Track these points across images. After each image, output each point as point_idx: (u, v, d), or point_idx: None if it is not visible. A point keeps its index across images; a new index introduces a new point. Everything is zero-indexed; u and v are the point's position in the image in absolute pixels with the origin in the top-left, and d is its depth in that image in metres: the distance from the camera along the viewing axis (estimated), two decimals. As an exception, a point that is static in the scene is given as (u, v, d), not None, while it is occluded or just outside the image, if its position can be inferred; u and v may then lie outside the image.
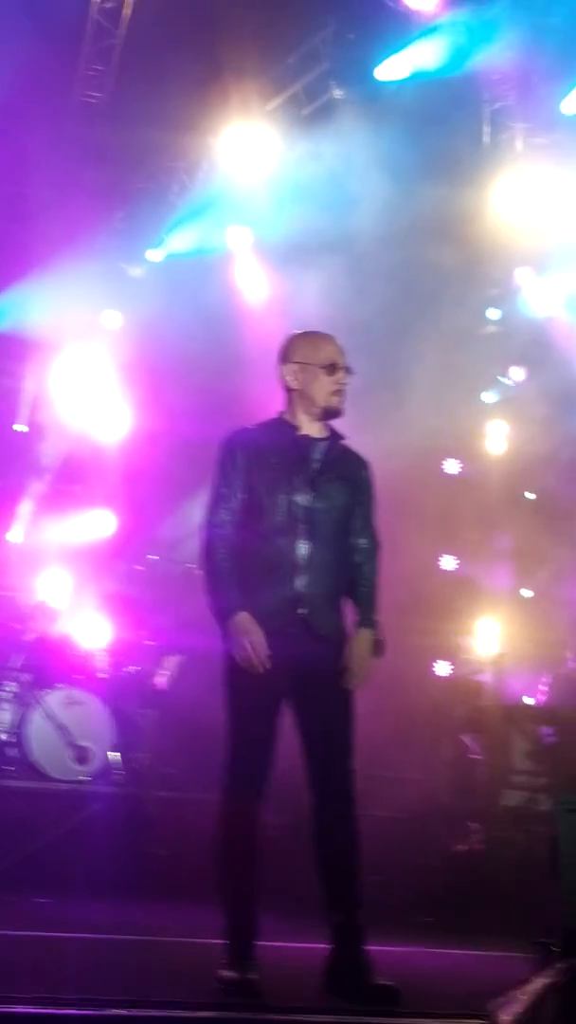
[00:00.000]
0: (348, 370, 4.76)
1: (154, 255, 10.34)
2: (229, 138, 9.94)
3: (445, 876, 7.53)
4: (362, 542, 4.75)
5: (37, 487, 9.77)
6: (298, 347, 4.79)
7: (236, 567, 4.60)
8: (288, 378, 4.77)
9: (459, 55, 9.55)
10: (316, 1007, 4.20)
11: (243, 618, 4.52)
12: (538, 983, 3.38)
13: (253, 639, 4.49)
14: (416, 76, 9.52)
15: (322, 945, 4.55)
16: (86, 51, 9.64)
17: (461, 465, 10.28)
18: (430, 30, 9.47)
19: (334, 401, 4.73)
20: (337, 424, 4.81)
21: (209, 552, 4.65)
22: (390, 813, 7.83)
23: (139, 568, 9.49)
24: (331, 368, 4.73)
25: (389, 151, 9.61)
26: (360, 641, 4.63)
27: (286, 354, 4.80)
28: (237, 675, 4.55)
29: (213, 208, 10.20)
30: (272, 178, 9.96)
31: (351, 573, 4.72)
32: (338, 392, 4.73)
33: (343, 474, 4.74)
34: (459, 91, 9.83)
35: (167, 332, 9.75)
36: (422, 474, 9.85)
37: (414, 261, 9.91)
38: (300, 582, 4.57)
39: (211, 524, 4.67)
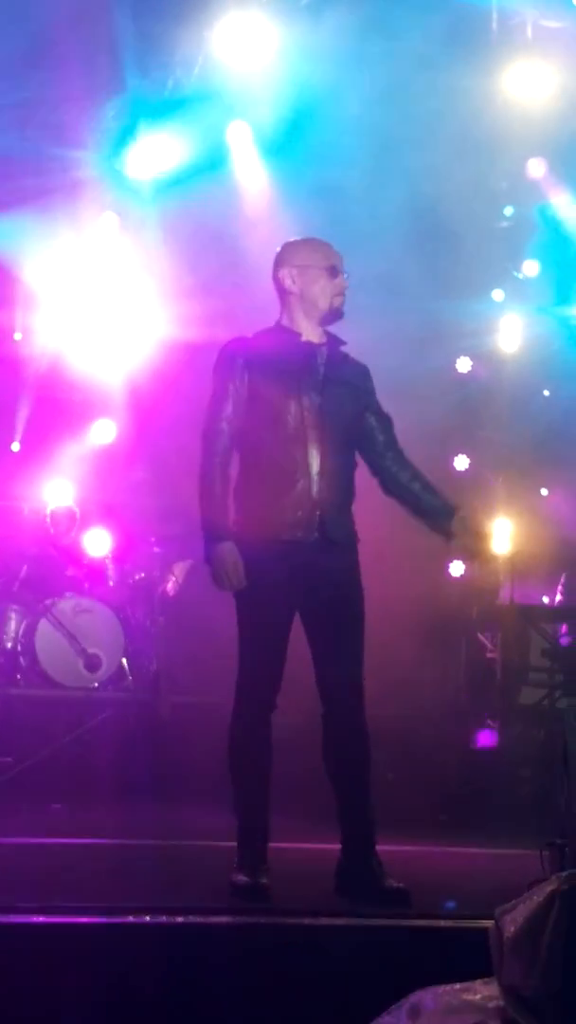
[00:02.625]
0: (346, 274, 4.70)
1: (149, 154, 10.08)
2: (225, 30, 9.63)
3: (461, 775, 7.55)
4: (383, 441, 4.71)
5: (28, 395, 9.67)
6: (296, 251, 4.72)
7: (226, 488, 4.56)
8: (287, 282, 4.67)
9: None
10: (327, 910, 4.19)
11: (225, 548, 4.48)
12: (546, 888, 3.33)
13: (230, 571, 4.46)
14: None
15: (334, 846, 4.56)
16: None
17: (472, 363, 10.11)
18: None
19: (337, 303, 4.67)
20: (347, 324, 4.72)
21: (203, 471, 4.57)
22: (407, 712, 7.84)
23: (144, 475, 9.41)
24: (332, 270, 4.66)
25: (393, 40, 9.32)
26: (468, 521, 4.67)
27: (283, 258, 4.71)
28: (249, 587, 4.51)
29: (210, 103, 9.92)
30: (271, 71, 9.67)
31: (391, 467, 4.69)
32: (337, 295, 4.66)
33: (348, 379, 4.68)
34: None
35: (166, 235, 9.55)
36: (433, 374, 9.71)
37: (420, 155, 9.66)
38: (314, 488, 4.51)
39: (206, 441, 4.59)
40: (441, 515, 4.69)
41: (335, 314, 4.69)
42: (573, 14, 9.56)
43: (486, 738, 8.12)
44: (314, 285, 4.65)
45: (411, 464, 4.74)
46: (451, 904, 4.09)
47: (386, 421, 4.75)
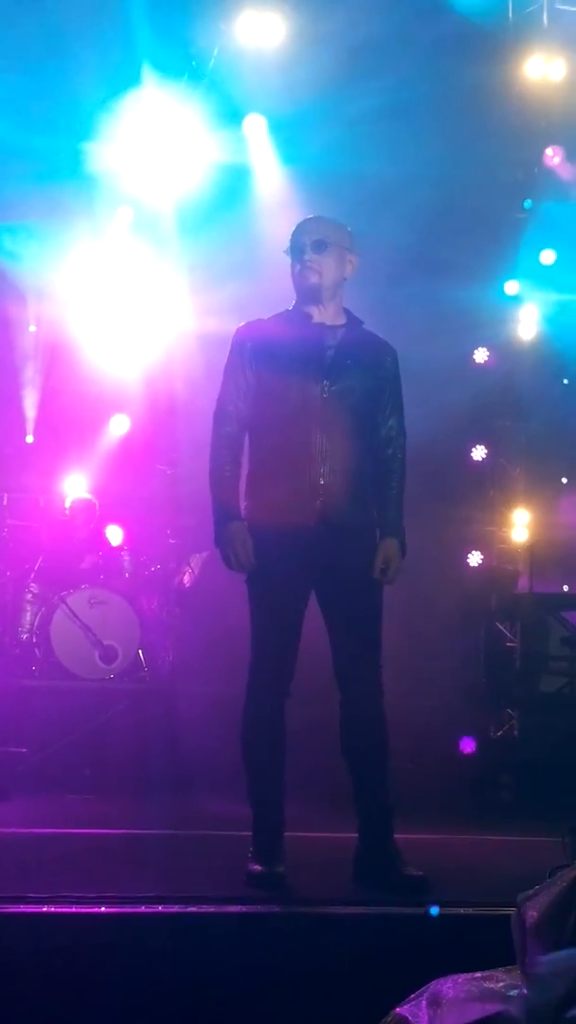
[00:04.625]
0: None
1: (165, 146, 10.04)
2: (242, 20, 9.59)
3: (482, 762, 7.51)
4: (389, 430, 4.61)
5: (43, 388, 9.66)
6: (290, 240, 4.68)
7: (236, 471, 4.54)
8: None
9: None
10: (344, 898, 4.15)
11: (234, 528, 4.46)
12: (569, 873, 3.27)
13: (238, 550, 4.44)
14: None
15: (351, 834, 4.51)
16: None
17: (490, 353, 10.04)
18: None
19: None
20: (362, 316, 4.66)
21: (212, 455, 4.57)
22: (425, 701, 7.80)
23: (160, 467, 9.38)
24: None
25: (408, 29, 9.27)
26: (388, 547, 4.53)
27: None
28: (260, 573, 4.47)
29: (225, 96, 9.88)
30: (285, 63, 9.62)
31: (378, 463, 4.59)
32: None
33: (362, 360, 4.59)
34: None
35: (181, 227, 9.52)
36: (450, 364, 9.65)
37: (436, 144, 9.60)
38: (317, 473, 4.45)
39: (216, 425, 4.58)
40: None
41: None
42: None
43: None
44: (292, 270, 4.64)
45: (394, 472, 4.61)
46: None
47: (395, 415, 4.63)
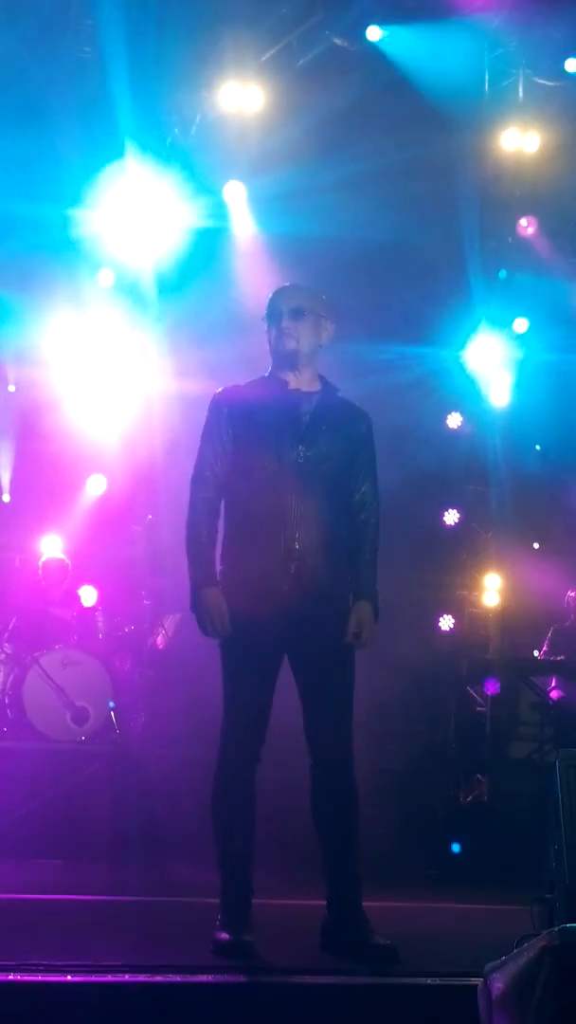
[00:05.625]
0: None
1: (147, 211, 10.16)
2: (223, 90, 9.75)
3: (451, 829, 7.50)
4: (362, 495, 4.65)
5: (20, 447, 9.69)
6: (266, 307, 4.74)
7: (213, 536, 4.56)
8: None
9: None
10: (312, 967, 4.14)
11: (210, 594, 4.48)
12: (537, 944, 3.28)
13: (214, 617, 4.46)
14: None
15: (320, 902, 4.51)
16: (75, 7, 9.43)
17: (462, 419, 10.15)
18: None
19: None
20: (336, 382, 4.72)
21: (189, 519, 4.60)
22: (396, 766, 7.79)
23: (137, 528, 9.41)
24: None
25: (385, 101, 9.44)
26: (361, 611, 4.56)
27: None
28: (233, 637, 4.49)
29: (206, 163, 10.02)
30: (266, 131, 9.79)
31: (352, 529, 4.62)
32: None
33: (337, 426, 4.63)
34: (457, 37, 9.63)
35: (161, 289, 9.62)
36: (424, 430, 9.75)
37: (412, 213, 9.75)
38: (292, 538, 4.47)
39: (193, 489, 4.62)
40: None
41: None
42: (566, 79, 9.70)
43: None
44: (269, 336, 4.68)
45: (367, 537, 4.64)
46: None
47: (368, 480, 4.66)
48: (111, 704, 8.27)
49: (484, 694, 8.91)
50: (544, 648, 9.43)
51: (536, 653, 9.55)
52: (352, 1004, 3.90)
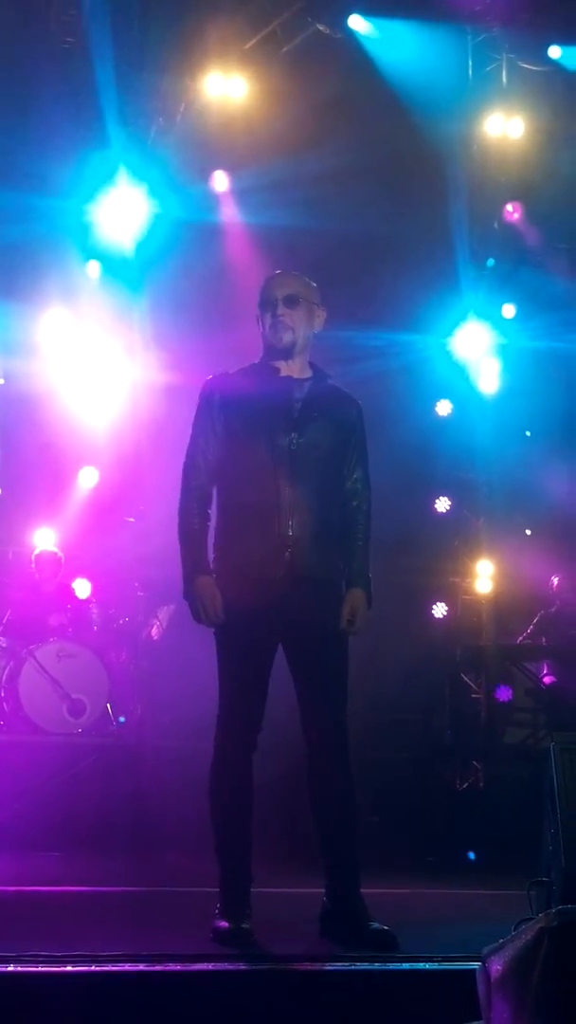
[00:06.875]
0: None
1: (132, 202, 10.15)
2: (207, 79, 9.74)
3: (448, 815, 7.53)
4: (354, 482, 4.66)
5: (10, 440, 9.68)
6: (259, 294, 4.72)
7: (205, 524, 4.58)
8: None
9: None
10: (311, 954, 4.16)
11: (203, 582, 4.49)
12: (534, 926, 3.30)
13: (207, 604, 4.47)
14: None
15: (318, 889, 4.53)
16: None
17: (452, 406, 10.16)
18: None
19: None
20: (327, 368, 4.72)
21: (181, 507, 4.60)
22: (392, 754, 7.81)
23: (129, 520, 9.41)
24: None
25: (370, 89, 9.43)
26: (355, 598, 4.57)
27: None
28: (228, 626, 4.50)
29: (191, 152, 10.00)
30: (251, 120, 9.77)
31: (344, 515, 4.64)
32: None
33: (329, 413, 4.63)
34: (440, 24, 9.62)
35: (149, 280, 9.61)
36: (414, 417, 9.75)
37: (398, 199, 9.76)
38: (285, 525, 4.48)
39: (185, 477, 4.62)
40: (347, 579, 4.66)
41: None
42: (548, 58, 9.70)
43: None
44: (262, 323, 4.67)
45: (360, 524, 4.65)
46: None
47: (360, 467, 4.68)
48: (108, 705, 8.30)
49: (478, 680, 8.93)
50: (528, 631, 9.48)
51: (518, 640, 9.61)
52: (351, 990, 3.92)
